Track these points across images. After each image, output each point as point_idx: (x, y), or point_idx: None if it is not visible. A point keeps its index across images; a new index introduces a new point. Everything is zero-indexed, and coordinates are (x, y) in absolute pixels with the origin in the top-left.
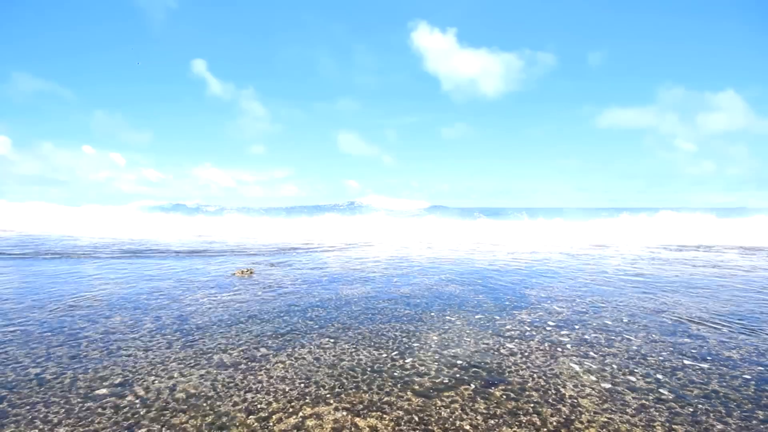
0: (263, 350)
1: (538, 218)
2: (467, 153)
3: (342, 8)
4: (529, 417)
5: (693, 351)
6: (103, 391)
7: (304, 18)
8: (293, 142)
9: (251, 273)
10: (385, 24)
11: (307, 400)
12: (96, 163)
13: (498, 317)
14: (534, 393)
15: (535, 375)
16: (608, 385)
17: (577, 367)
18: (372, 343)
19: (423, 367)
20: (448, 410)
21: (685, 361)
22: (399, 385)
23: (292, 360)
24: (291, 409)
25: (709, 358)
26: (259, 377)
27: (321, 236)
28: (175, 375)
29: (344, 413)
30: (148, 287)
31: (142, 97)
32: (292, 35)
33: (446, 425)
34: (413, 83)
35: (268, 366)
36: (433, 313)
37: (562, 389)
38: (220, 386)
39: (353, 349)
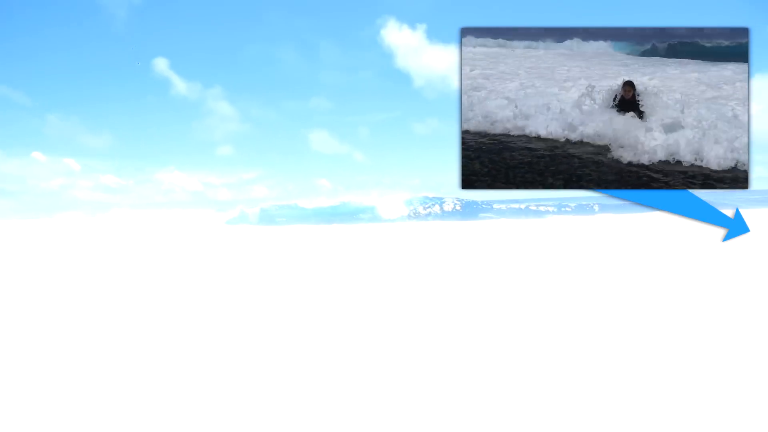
0: None
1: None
2: (438, 148)
3: (306, 3)
4: None
5: None
6: None
7: (266, 13)
8: (263, 143)
9: None
10: (353, 20)
11: None
12: (48, 171)
13: None
14: None
15: None
16: None
17: None
18: None
19: None
20: None
21: None
22: None
23: None
24: None
25: None
26: None
27: None
28: None
29: None
30: None
31: (100, 99)
32: (255, 31)
33: None
34: (384, 80)
35: None
36: None
37: None
38: None
39: None
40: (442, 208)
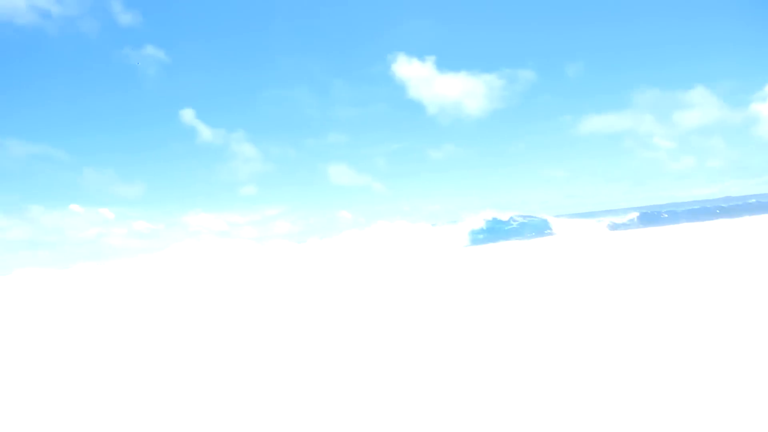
0: None
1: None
2: (456, 172)
3: (316, 47)
4: None
5: None
6: None
7: (280, 58)
8: (284, 180)
9: None
10: (363, 58)
11: None
12: (84, 221)
13: None
14: None
15: None
16: None
17: None
18: None
19: None
20: None
21: None
22: None
23: None
24: None
25: None
26: None
27: None
28: None
29: None
30: None
31: (132, 151)
32: (271, 75)
33: None
34: (398, 111)
35: None
36: None
37: None
38: None
39: None
40: None
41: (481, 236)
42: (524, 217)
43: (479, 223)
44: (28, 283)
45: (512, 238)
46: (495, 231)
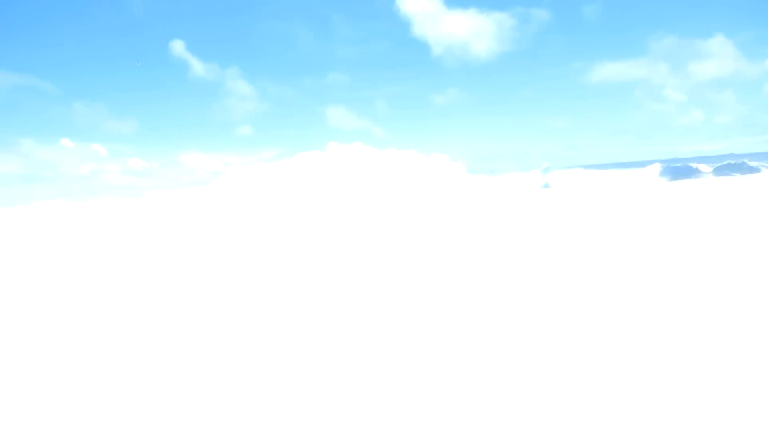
0: None
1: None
2: (459, 119)
3: None
4: None
5: None
6: None
7: None
8: (281, 121)
9: None
10: None
11: None
12: (77, 157)
13: None
14: None
15: None
16: None
17: None
18: None
19: None
20: None
21: None
22: None
23: None
24: None
25: None
26: None
27: None
28: None
29: None
30: None
31: (124, 85)
32: (266, 9)
33: None
34: (401, 50)
35: None
36: None
37: None
38: None
39: None
40: None
41: None
42: None
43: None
44: (44, 216)
45: None
46: None
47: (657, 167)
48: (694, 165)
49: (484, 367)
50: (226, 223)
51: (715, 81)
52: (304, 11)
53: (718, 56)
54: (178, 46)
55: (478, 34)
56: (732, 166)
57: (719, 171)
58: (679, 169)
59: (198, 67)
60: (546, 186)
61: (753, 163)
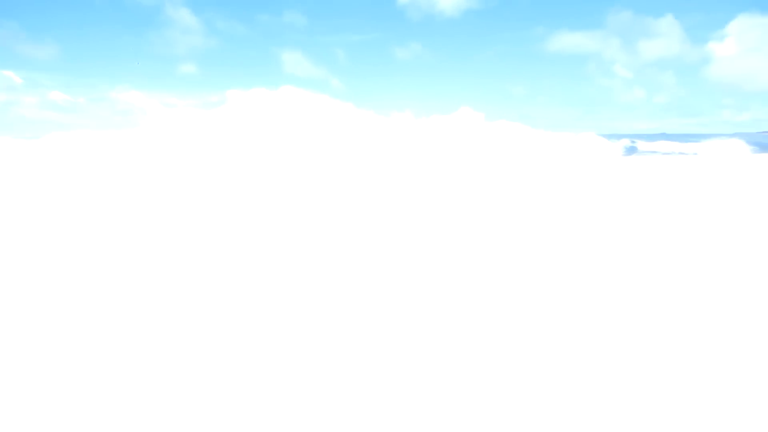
0: None
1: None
2: (420, 77)
3: None
4: None
5: None
6: None
7: None
8: (230, 61)
9: None
10: None
11: None
12: None
13: None
14: None
15: None
16: None
17: None
18: None
19: None
20: None
21: None
22: None
23: None
24: None
25: None
26: None
27: None
28: None
29: None
30: None
31: (43, 3)
32: None
33: None
34: None
35: None
36: None
37: None
38: None
39: None
40: None
41: None
42: None
43: None
44: None
45: None
46: None
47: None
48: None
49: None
50: (144, 173)
51: (660, 61)
52: None
53: (666, 36)
54: None
55: None
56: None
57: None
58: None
59: None
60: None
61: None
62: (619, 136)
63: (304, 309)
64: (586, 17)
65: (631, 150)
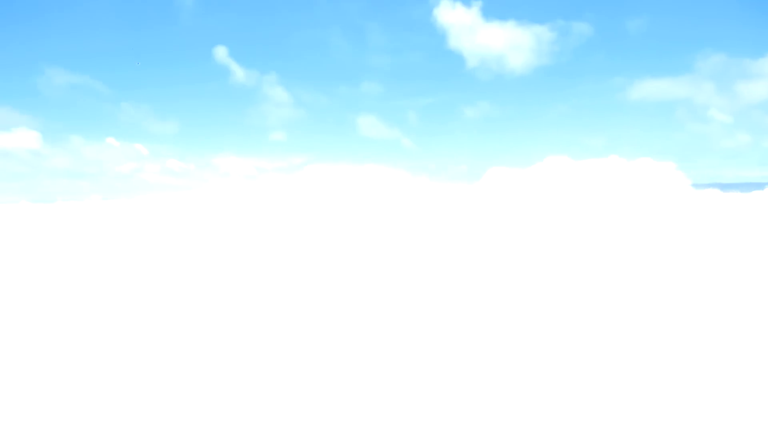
0: None
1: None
2: (489, 133)
3: None
4: None
5: None
6: None
7: None
8: (313, 127)
9: None
10: (402, 1)
11: None
12: (120, 155)
13: None
14: None
15: None
16: None
17: None
18: None
19: None
20: None
21: None
22: None
23: None
24: None
25: None
26: None
27: None
28: None
29: None
30: None
31: (169, 88)
32: (306, 18)
33: None
34: (435, 62)
35: None
36: None
37: None
38: None
39: None
40: None
41: None
42: None
43: None
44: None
45: None
46: None
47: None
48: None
49: None
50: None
51: (765, 103)
52: (342, 21)
53: None
54: (221, 52)
55: (515, 47)
56: None
57: None
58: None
59: (239, 72)
60: None
61: None
62: (725, 186)
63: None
64: (670, 64)
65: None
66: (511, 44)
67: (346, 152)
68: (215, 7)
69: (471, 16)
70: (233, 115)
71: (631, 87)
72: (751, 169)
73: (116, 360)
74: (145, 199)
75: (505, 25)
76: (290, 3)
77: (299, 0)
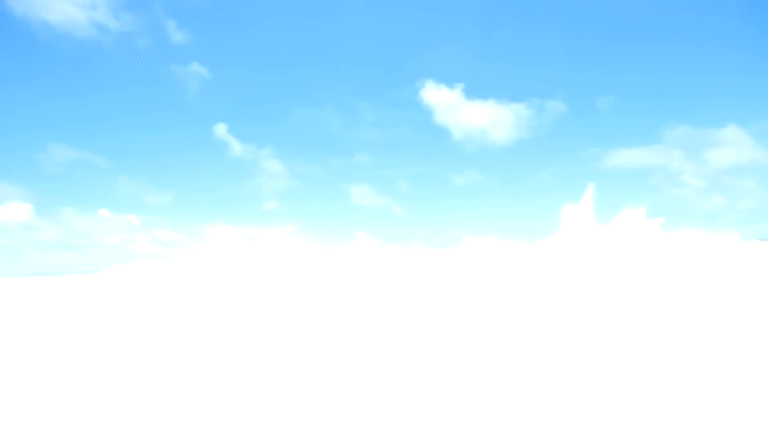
0: None
1: None
2: (477, 200)
3: (346, 70)
4: None
5: None
6: None
7: (311, 79)
8: (306, 196)
9: None
10: (392, 83)
11: None
12: (112, 226)
13: None
14: None
15: None
16: None
17: None
18: None
19: None
20: None
21: None
22: None
23: None
24: None
25: None
26: None
27: None
28: None
29: None
30: None
31: (167, 162)
32: (302, 97)
33: None
34: (423, 135)
35: None
36: None
37: None
38: None
39: None
40: None
41: None
42: None
43: None
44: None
45: None
46: None
47: None
48: None
49: None
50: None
51: (734, 168)
52: (335, 100)
53: (734, 144)
54: (221, 129)
55: (496, 122)
56: None
57: None
58: None
59: (237, 147)
60: None
61: None
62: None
63: None
64: (639, 135)
65: None
66: (493, 120)
67: (337, 220)
68: (219, 90)
69: (454, 96)
70: (228, 187)
71: (606, 156)
72: (732, 230)
73: None
74: (122, 268)
75: (486, 103)
76: (288, 85)
77: (296, 82)
